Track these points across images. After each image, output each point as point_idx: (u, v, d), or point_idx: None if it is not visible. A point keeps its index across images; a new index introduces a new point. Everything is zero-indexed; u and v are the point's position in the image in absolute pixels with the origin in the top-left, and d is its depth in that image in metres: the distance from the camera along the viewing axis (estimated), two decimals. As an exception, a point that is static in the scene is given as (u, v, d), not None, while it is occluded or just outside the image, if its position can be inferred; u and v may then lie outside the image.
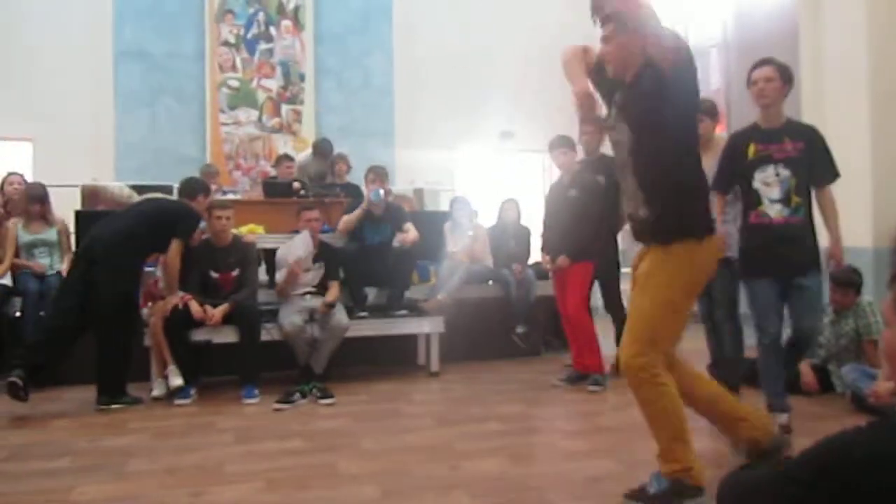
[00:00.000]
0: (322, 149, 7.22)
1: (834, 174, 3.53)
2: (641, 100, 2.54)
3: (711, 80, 9.35)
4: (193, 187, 4.99)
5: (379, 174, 5.58)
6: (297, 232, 5.25)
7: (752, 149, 3.61)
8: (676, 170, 2.58)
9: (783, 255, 3.50)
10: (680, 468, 2.56)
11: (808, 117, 3.70)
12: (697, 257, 2.58)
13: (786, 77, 3.54)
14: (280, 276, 5.03)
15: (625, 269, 5.01)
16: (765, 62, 3.60)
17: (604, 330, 5.08)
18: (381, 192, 5.45)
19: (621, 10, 2.55)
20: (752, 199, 3.60)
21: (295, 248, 5.03)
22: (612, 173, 4.44)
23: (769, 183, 3.54)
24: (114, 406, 4.30)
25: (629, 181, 2.67)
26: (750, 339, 4.40)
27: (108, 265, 4.35)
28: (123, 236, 4.45)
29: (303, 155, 7.64)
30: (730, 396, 2.83)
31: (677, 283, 2.57)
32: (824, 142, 3.55)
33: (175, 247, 4.61)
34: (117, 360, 4.40)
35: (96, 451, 3.44)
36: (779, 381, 3.72)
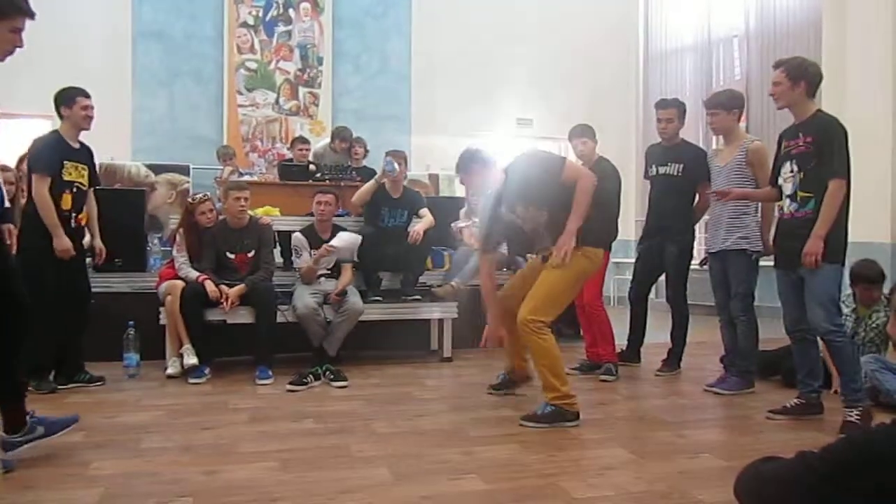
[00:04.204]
0: (341, 134, 7.24)
1: (831, 171, 3.34)
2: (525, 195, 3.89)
3: (735, 70, 9.27)
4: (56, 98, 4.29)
5: (397, 157, 5.58)
6: (311, 215, 5.32)
7: (782, 146, 3.66)
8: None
9: (788, 248, 3.54)
10: (559, 395, 3.46)
11: (827, 110, 3.63)
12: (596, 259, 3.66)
13: (795, 75, 3.46)
14: (303, 259, 5.04)
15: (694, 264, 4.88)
16: (775, 66, 3.59)
17: (617, 320, 5.07)
18: (396, 164, 5.46)
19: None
20: (780, 195, 3.68)
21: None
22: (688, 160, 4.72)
23: (786, 179, 3.60)
24: None
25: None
26: (764, 331, 4.38)
27: None
28: None
29: (320, 144, 7.65)
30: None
31: (580, 272, 3.60)
32: (832, 135, 3.37)
33: (34, 183, 3.94)
34: None
35: (111, 427, 3.47)
36: (804, 369, 3.71)
